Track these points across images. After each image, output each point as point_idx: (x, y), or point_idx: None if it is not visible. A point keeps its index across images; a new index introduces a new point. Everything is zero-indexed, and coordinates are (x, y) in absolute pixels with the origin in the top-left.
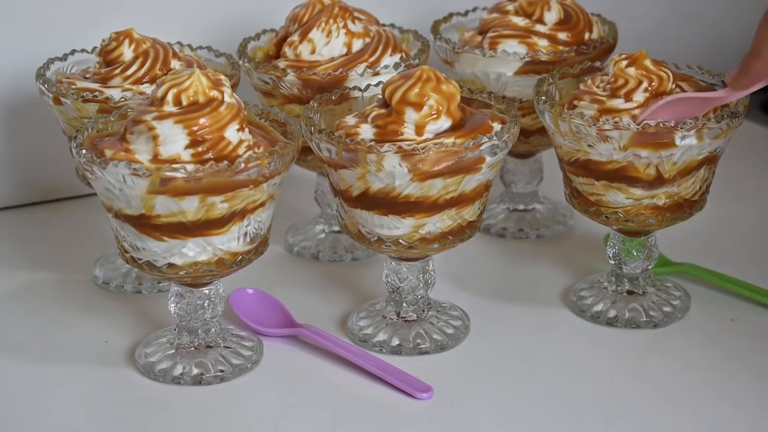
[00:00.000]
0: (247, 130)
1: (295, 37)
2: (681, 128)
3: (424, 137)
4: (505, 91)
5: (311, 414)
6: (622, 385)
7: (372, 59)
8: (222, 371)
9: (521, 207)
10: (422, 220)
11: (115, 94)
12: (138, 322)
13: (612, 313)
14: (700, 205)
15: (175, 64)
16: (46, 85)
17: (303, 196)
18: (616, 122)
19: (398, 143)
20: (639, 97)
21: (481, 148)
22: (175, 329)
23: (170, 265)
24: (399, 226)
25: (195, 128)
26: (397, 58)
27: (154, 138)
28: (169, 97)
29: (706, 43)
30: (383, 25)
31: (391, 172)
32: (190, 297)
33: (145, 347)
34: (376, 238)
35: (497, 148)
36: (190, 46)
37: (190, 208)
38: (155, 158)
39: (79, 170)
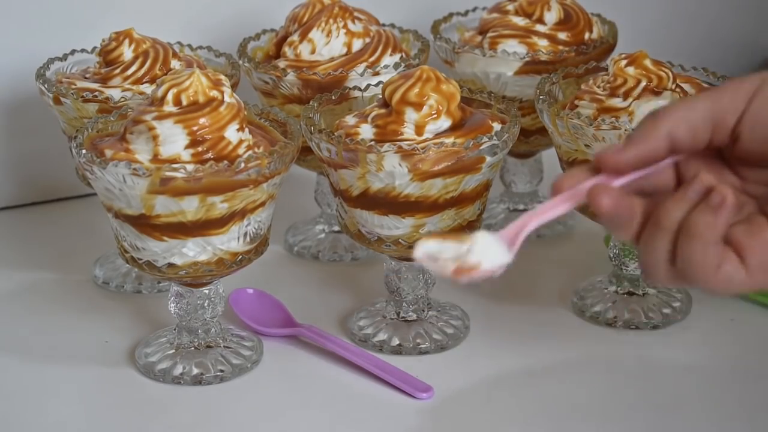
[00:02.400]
0: (247, 130)
1: (295, 37)
2: None
3: (424, 137)
4: (505, 91)
5: (311, 414)
6: (622, 385)
7: (372, 59)
8: (222, 371)
9: (521, 207)
10: (422, 220)
11: (115, 94)
12: (138, 322)
13: (611, 314)
14: None
15: (175, 64)
16: (46, 85)
17: (303, 196)
18: (612, 122)
19: (398, 143)
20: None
21: (481, 148)
22: (175, 329)
23: (170, 265)
24: (399, 226)
25: (195, 128)
26: (397, 58)
27: (154, 138)
28: (169, 97)
29: (706, 43)
30: (383, 25)
31: (391, 172)
32: (190, 297)
33: (145, 347)
34: (376, 238)
35: (497, 148)
36: (190, 46)
37: (190, 208)
38: (155, 158)
39: (79, 170)
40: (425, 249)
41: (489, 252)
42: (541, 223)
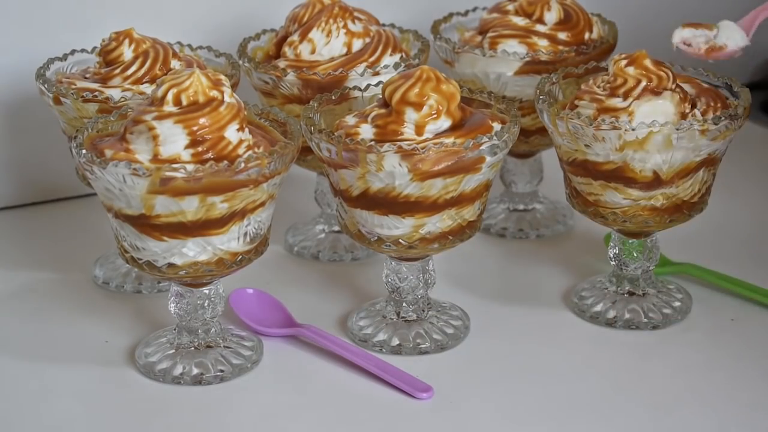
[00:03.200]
0: (247, 130)
1: (295, 37)
2: (677, 129)
3: (424, 137)
4: (505, 91)
5: (311, 414)
6: (622, 385)
7: (372, 59)
8: (222, 371)
9: (521, 207)
10: (422, 220)
11: (115, 94)
12: (138, 322)
13: (611, 314)
14: (699, 207)
15: (175, 64)
16: (46, 85)
17: (303, 196)
18: (612, 122)
19: (398, 143)
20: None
21: (481, 148)
22: (175, 329)
23: (170, 265)
24: (399, 226)
25: (195, 128)
26: (397, 58)
27: (154, 138)
28: (169, 97)
29: None
30: (383, 25)
31: (391, 172)
32: (190, 297)
33: (145, 347)
34: (376, 238)
35: (497, 148)
36: (190, 46)
37: (190, 208)
38: (155, 158)
39: (79, 170)
40: (681, 34)
41: (732, 36)
42: None
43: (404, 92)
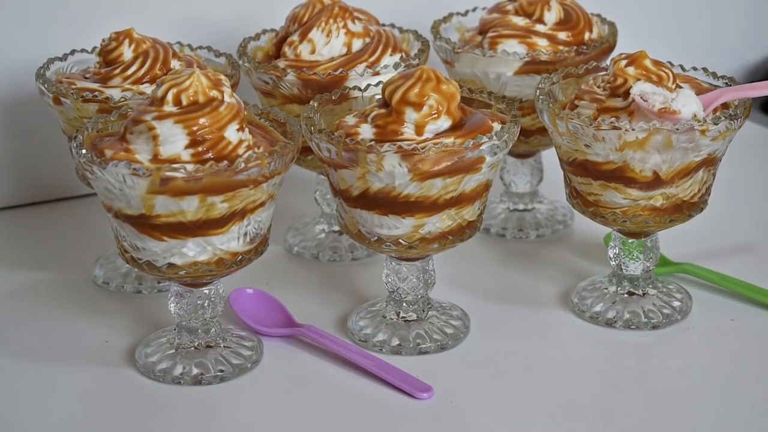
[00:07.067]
0: (247, 130)
1: (295, 37)
2: (677, 129)
3: (424, 137)
4: (505, 91)
5: (311, 414)
6: (622, 385)
7: (372, 59)
8: (222, 371)
9: (521, 207)
10: (422, 220)
11: (115, 94)
12: (138, 322)
13: (611, 314)
14: (699, 207)
15: (175, 64)
16: (46, 85)
17: (303, 196)
18: (612, 122)
19: (398, 143)
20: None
21: (481, 148)
22: (175, 329)
23: (170, 265)
24: (399, 226)
25: (195, 128)
26: (397, 58)
27: (154, 138)
28: (169, 97)
29: (706, 43)
30: (383, 25)
31: (391, 172)
32: (190, 297)
33: (145, 347)
34: (376, 238)
35: (497, 148)
36: (190, 46)
37: (190, 208)
38: (155, 158)
39: (79, 170)
40: (641, 87)
41: (689, 104)
42: (734, 98)
43: (404, 92)
